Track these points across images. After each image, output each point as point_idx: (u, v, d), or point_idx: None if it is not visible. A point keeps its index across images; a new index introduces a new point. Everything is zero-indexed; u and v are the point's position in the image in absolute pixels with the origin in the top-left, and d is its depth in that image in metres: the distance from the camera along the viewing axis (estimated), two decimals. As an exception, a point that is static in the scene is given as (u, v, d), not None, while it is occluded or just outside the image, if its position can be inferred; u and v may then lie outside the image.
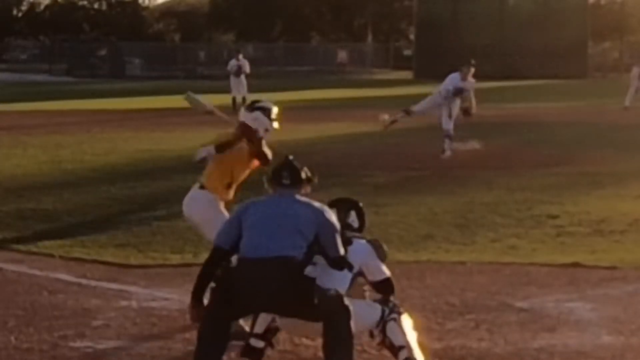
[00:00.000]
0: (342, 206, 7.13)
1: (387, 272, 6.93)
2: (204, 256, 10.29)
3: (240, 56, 34.77)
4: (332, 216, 6.39)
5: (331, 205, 6.93)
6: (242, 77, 33.48)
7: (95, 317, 8.10)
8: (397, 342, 6.71)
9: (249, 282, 6.06)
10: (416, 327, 6.82)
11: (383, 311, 6.75)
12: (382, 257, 6.96)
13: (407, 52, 77.28)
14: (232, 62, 34.12)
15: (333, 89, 47.02)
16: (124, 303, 8.58)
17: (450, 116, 19.44)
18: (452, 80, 19.61)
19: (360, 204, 7.32)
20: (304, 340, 7.19)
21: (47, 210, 13.30)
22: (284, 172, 6.52)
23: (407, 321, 6.79)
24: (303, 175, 6.58)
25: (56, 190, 15.12)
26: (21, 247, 11.04)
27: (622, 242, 11.30)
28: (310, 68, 70.21)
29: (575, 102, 33.79)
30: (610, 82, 53.82)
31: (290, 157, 6.65)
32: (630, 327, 7.88)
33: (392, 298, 6.87)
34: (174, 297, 8.71)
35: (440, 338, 7.56)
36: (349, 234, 6.89)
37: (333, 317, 6.12)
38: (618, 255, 10.47)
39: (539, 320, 8.07)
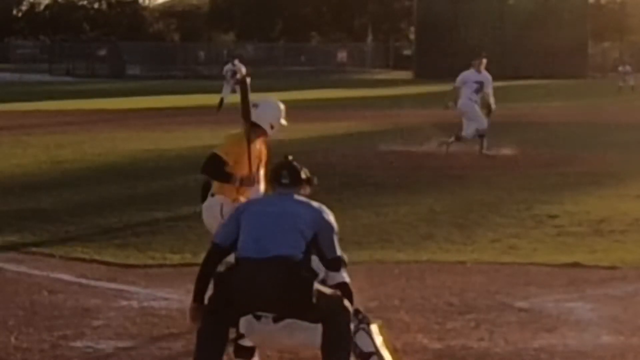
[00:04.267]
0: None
1: (347, 278, 6.79)
2: (203, 256, 10.38)
3: (236, 61, 34.44)
4: (331, 216, 6.35)
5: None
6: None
7: (95, 317, 8.09)
8: (367, 348, 6.67)
9: (248, 282, 6.04)
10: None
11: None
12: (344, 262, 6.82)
13: (407, 52, 77.43)
14: (228, 67, 33.88)
15: (333, 89, 47.02)
16: (124, 303, 8.58)
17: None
18: (469, 76, 19.84)
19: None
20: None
21: (47, 210, 13.28)
22: (283, 172, 6.44)
23: (375, 330, 6.72)
24: (303, 176, 6.50)
25: (56, 190, 15.12)
26: (21, 247, 11.03)
27: (622, 242, 11.29)
28: (311, 68, 70.32)
29: (576, 102, 33.78)
30: (610, 82, 53.78)
31: (290, 157, 6.58)
32: (630, 327, 7.87)
33: (361, 309, 6.87)
34: (174, 297, 8.71)
35: (440, 338, 7.55)
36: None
37: (333, 318, 6.11)
38: (618, 255, 10.46)
39: (539, 320, 8.06)
